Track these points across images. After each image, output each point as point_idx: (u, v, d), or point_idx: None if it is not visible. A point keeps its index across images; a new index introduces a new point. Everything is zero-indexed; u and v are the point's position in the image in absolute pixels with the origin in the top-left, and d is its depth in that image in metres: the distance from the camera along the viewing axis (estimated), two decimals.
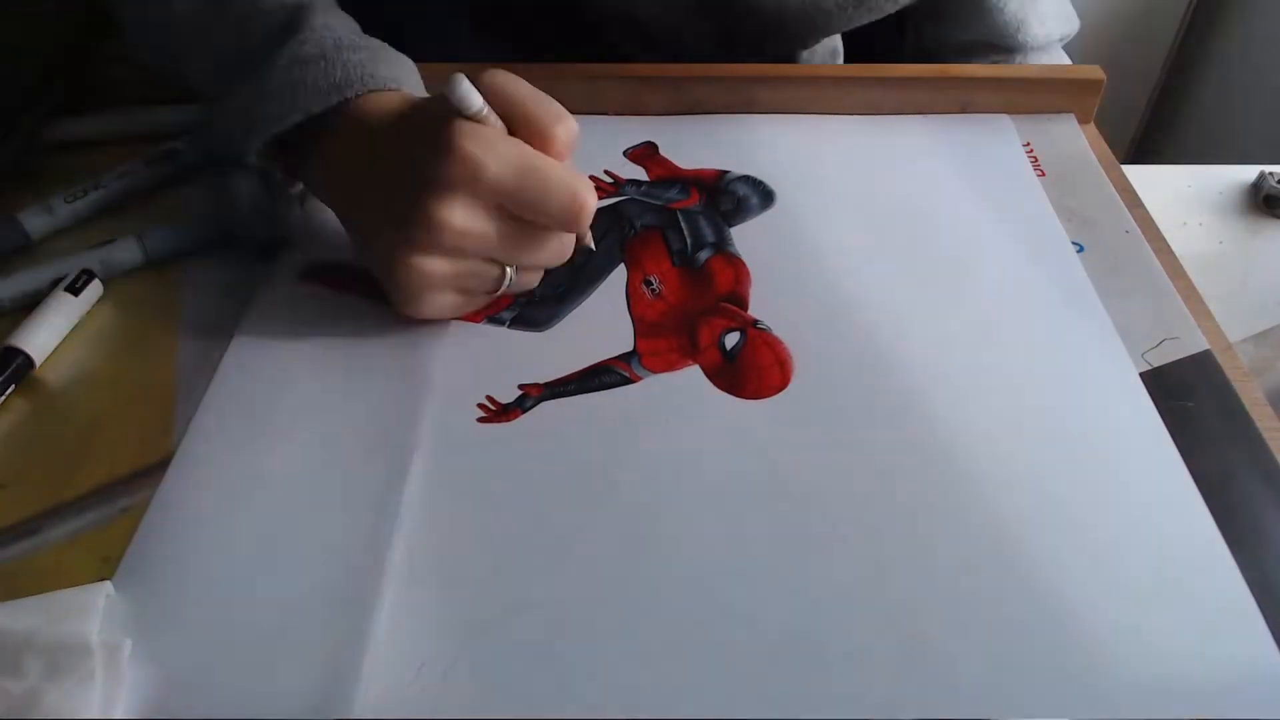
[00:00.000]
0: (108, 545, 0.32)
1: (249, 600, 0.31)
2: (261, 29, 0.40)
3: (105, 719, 0.27)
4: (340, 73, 0.38)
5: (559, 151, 0.36)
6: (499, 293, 0.38)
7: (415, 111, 0.37)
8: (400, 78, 0.40)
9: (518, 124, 0.36)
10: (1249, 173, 0.63)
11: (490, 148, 0.34)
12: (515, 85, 0.36)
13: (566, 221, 0.36)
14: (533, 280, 0.40)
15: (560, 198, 0.35)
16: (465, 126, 0.34)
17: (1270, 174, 0.61)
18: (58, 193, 0.45)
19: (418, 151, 0.35)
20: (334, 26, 0.40)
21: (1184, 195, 0.62)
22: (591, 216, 0.36)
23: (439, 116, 0.35)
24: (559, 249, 0.38)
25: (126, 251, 0.42)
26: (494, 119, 0.35)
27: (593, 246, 0.40)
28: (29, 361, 0.37)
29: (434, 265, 0.36)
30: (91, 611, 0.30)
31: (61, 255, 0.42)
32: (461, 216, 0.34)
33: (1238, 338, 0.49)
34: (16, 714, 0.27)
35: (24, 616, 0.30)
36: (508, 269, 0.37)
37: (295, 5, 0.40)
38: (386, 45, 0.41)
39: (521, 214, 0.35)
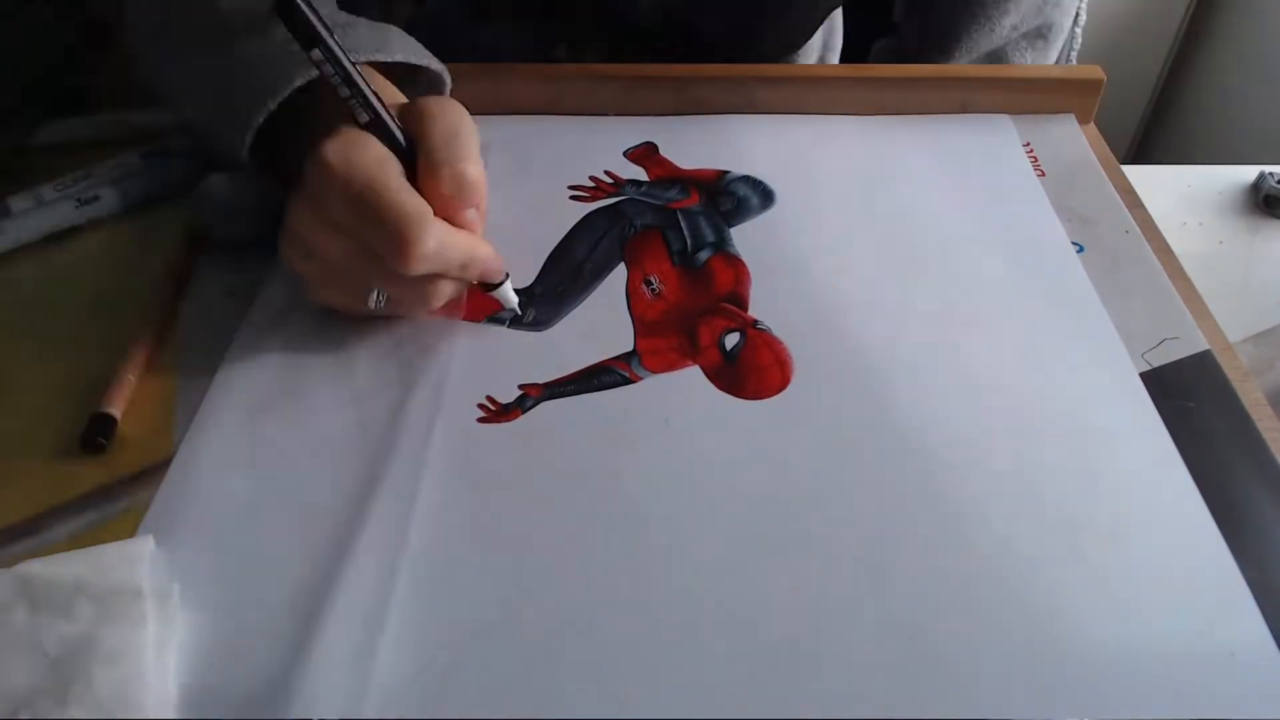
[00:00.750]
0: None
1: (249, 601, 0.31)
2: (230, 27, 0.39)
3: (159, 661, 0.28)
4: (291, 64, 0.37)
5: (442, 191, 0.35)
6: (371, 309, 0.37)
7: (328, 144, 0.36)
8: (367, 47, 0.39)
9: (421, 156, 0.35)
10: (1249, 173, 0.63)
11: (347, 156, 0.33)
12: (449, 121, 0.35)
13: (391, 254, 0.33)
14: (411, 311, 0.38)
15: (390, 227, 0.33)
16: (340, 136, 0.34)
17: (1270, 174, 0.61)
18: (47, 183, 0.45)
19: (311, 148, 0.34)
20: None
21: (1184, 195, 0.62)
22: (424, 265, 0.34)
23: (346, 122, 0.35)
24: (403, 293, 0.36)
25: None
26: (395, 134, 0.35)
27: (517, 310, 0.39)
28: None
29: (298, 260, 0.36)
30: (139, 561, 0.30)
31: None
32: (307, 219, 0.34)
33: (1238, 338, 0.49)
34: (71, 656, 0.27)
35: (71, 566, 0.30)
36: (375, 289, 0.36)
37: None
38: (357, 20, 0.41)
39: (359, 233, 0.34)
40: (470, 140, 0.36)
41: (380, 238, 0.33)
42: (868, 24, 0.64)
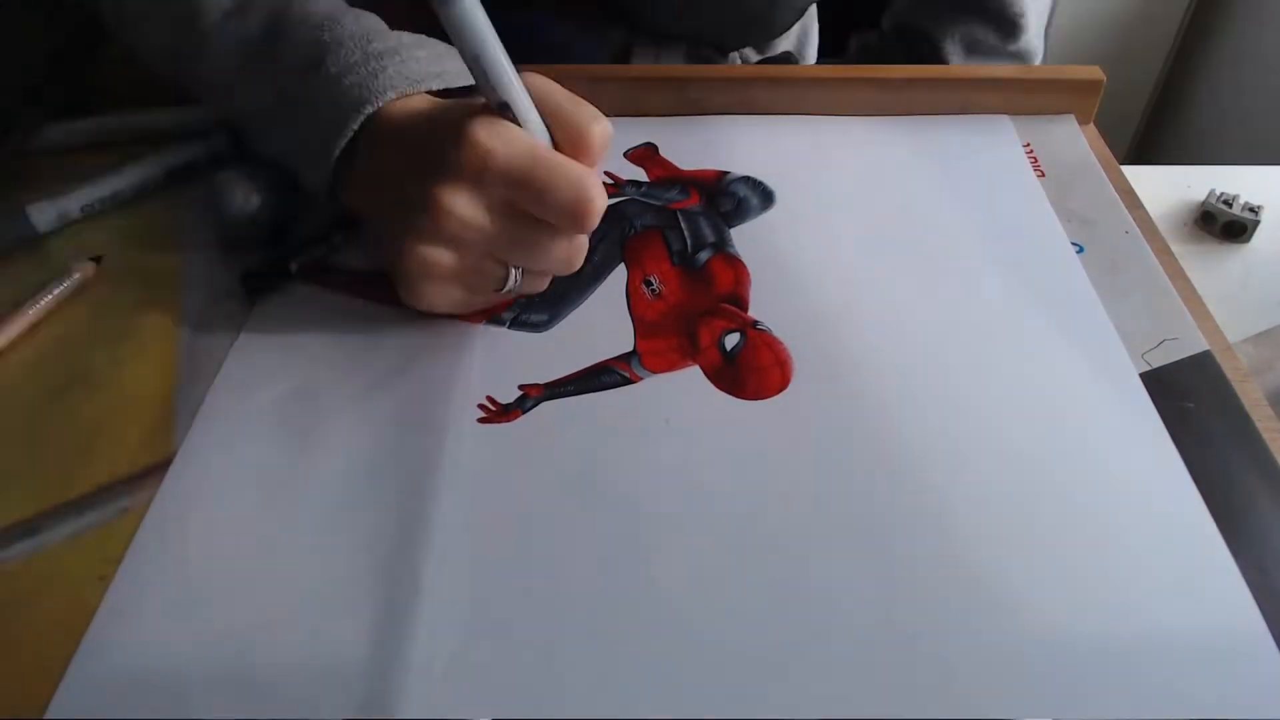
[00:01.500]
0: (109, 545, 0.32)
1: (250, 602, 0.31)
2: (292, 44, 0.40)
3: None
4: (372, 81, 0.38)
5: (593, 152, 0.36)
6: (503, 294, 0.38)
7: (441, 109, 0.37)
8: (430, 75, 0.39)
9: (552, 125, 0.36)
10: (1248, 174, 0.63)
11: (502, 138, 0.34)
12: (550, 87, 0.36)
13: (571, 218, 0.35)
14: (539, 285, 0.40)
15: (567, 193, 0.34)
16: (483, 118, 0.34)
17: (1220, 200, 0.59)
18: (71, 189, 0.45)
19: (435, 142, 0.35)
20: (360, 32, 0.40)
21: (1184, 196, 0.62)
22: (599, 218, 0.36)
23: (462, 109, 0.35)
24: (566, 255, 0.37)
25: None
26: (533, 116, 0.35)
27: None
28: None
29: (436, 255, 0.36)
30: None
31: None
32: (465, 205, 0.34)
33: (1238, 338, 0.49)
34: None
35: None
36: (512, 270, 0.37)
37: (322, 18, 0.40)
38: (420, 39, 0.41)
39: (528, 207, 0.35)
40: (576, 98, 0.37)
41: (557, 201, 0.34)
42: (845, 16, 0.64)
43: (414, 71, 0.39)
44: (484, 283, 0.37)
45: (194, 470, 0.34)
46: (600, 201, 0.35)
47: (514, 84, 0.34)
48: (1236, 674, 0.29)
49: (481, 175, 0.34)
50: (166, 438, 0.36)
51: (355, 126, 0.37)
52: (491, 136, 0.34)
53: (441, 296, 0.37)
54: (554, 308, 0.41)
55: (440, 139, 0.35)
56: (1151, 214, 0.45)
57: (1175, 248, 0.44)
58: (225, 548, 0.32)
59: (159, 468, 0.34)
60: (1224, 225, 0.59)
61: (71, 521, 0.33)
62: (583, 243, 0.38)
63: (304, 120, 0.39)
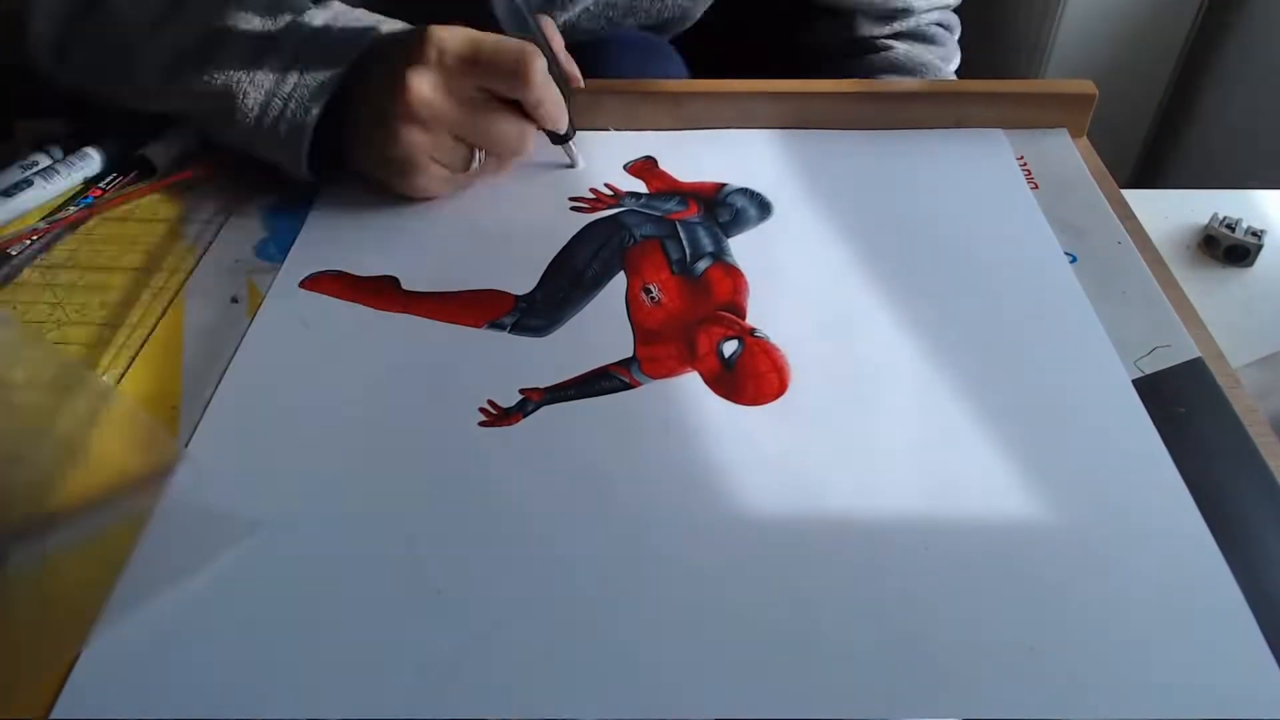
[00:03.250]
0: (112, 550, 0.32)
1: (252, 601, 0.31)
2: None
3: None
4: (357, 22, 0.46)
5: (527, 73, 0.42)
6: (471, 172, 0.46)
7: (403, 32, 0.45)
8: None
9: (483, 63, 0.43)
10: (1251, 198, 0.63)
11: (452, 30, 0.42)
12: (475, 34, 0.43)
13: (514, 74, 0.42)
14: (503, 167, 0.48)
15: (510, 55, 0.42)
16: (435, 26, 0.42)
17: (1223, 224, 0.60)
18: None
19: (398, 49, 0.43)
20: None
21: (1187, 219, 0.62)
22: (541, 75, 0.43)
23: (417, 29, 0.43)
24: (518, 134, 0.45)
25: None
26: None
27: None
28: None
29: (413, 135, 0.43)
30: None
31: None
32: (429, 88, 0.42)
33: (1242, 362, 0.49)
34: None
35: None
36: (475, 150, 0.45)
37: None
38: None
39: (480, 80, 0.42)
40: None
41: (502, 68, 0.42)
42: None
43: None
44: (455, 160, 0.45)
45: (198, 475, 0.35)
46: (540, 61, 0.42)
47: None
48: (1230, 676, 0.29)
49: (441, 60, 0.42)
50: (171, 443, 0.36)
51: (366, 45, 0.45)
52: (443, 31, 0.42)
53: (427, 177, 0.45)
54: (555, 313, 0.41)
55: (403, 45, 0.43)
56: (1153, 239, 0.46)
57: (1177, 272, 0.44)
58: (228, 550, 0.32)
59: (164, 473, 0.35)
60: (1226, 249, 0.59)
61: (76, 526, 0.33)
62: (529, 128, 0.45)
63: (307, 58, 0.45)
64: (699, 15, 0.64)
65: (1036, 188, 0.49)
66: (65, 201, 0.48)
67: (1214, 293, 0.58)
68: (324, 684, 0.29)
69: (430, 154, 0.44)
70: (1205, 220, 0.60)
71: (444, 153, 0.44)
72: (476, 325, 0.41)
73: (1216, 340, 0.40)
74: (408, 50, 0.42)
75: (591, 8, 0.58)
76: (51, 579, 0.32)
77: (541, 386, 0.38)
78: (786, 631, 0.30)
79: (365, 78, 0.44)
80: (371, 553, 0.32)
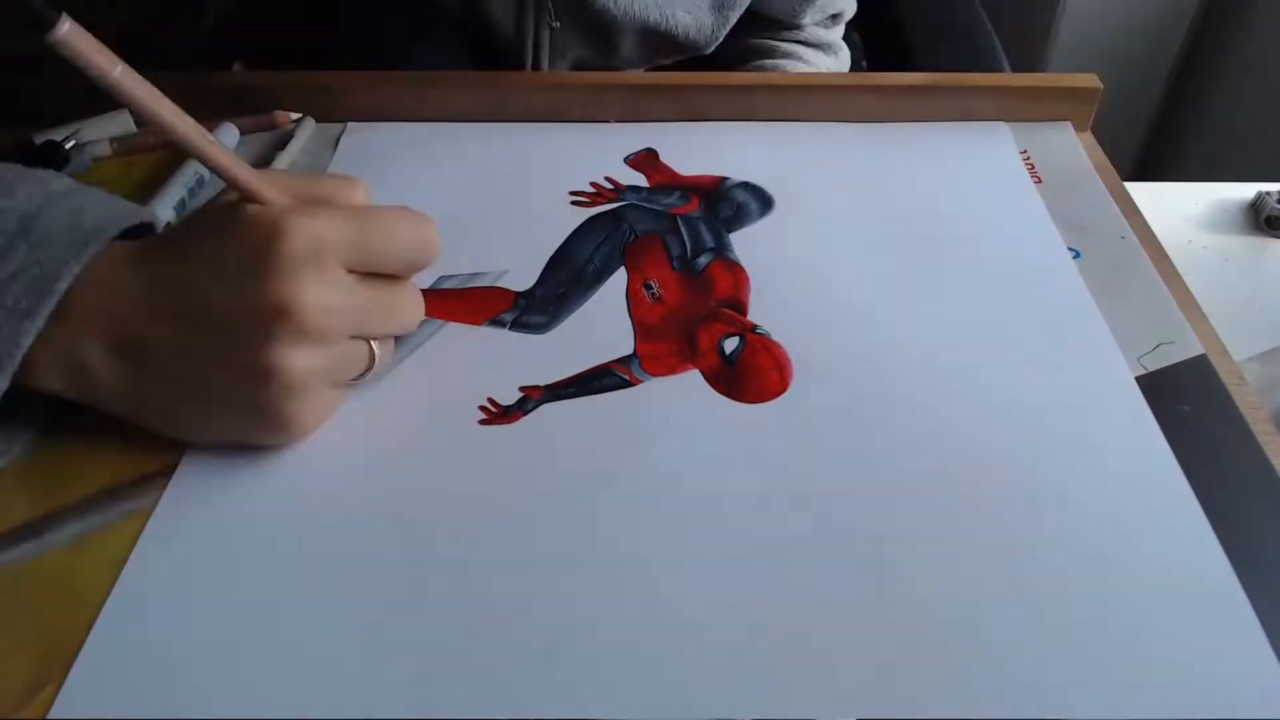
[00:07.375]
0: (113, 548, 0.32)
1: (252, 600, 0.31)
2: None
3: None
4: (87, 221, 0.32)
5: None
6: (368, 375, 0.35)
7: (197, 219, 0.33)
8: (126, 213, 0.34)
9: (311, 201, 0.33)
10: (1250, 191, 0.63)
11: (314, 211, 0.31)
12: (286, 175, 0.35)
13: (423, 254, 0.34)
14: (390, 352, 0.37)
15: (408, 233, 0.34)
16: (285, 205, 0.32)
17: (1269, 194, 0.61)
18: None
19: (230, 248, 0.31)
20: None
21: (1190, 213, 0.62)
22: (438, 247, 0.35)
23: (231, 208, 0.31)
24: (415, 304, 0.36)
25: None
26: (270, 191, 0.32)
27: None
28: None
29: (306, 359, 0.31)
30: None
31: None
32: (318, 292, 0.31)
33: (1244, 356, 0.49)
34: None
35: None
36: (373, 344, 0.34)
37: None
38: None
39: (374, 265, 0.33)
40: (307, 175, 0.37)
41: (402, 244, 0.34)
42: None
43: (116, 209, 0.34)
44: (352, 368, 0.34)
45: (198, 473, 0.35)
46: (435, 227, 0.34)
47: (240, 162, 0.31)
48: (1233, 673, 0.29)
49: (321, 256, 0.31)
50: (171, 441, 0.36)
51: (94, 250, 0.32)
52: (306, 213, 0.31)
53: (319, 405, 0.34)
54: (555, 310, 0.41)
55: (240, 242, 0.30)
56: (1155, 231, 0.45)
57: (1175, 259, 0.44)
58: (228, 549, 0.32)
59: (165, 471, 0.35)
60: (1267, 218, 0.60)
61: (75, 524, 0.33)
62: (418, 292, 0.36)
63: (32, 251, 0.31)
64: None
65: (1040, 182, 0.48)
66: None
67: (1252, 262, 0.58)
68: (324, 683, 0.29)
69: (327, 375, 0.33)
70: (1205, 213, 0.61)
71: (341, 366, 0.34)
72: (476, 322, 0.40)
73: (1221, 336, 0.40)
74: (258, 254, 0.30)
75: None
76: (51, 578, 0.32)
77: (541, 384, 0.38)
78: (786, 631, 0.30)
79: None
80: (371, 552, 0.32)
